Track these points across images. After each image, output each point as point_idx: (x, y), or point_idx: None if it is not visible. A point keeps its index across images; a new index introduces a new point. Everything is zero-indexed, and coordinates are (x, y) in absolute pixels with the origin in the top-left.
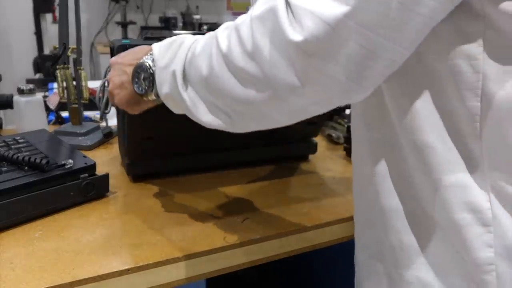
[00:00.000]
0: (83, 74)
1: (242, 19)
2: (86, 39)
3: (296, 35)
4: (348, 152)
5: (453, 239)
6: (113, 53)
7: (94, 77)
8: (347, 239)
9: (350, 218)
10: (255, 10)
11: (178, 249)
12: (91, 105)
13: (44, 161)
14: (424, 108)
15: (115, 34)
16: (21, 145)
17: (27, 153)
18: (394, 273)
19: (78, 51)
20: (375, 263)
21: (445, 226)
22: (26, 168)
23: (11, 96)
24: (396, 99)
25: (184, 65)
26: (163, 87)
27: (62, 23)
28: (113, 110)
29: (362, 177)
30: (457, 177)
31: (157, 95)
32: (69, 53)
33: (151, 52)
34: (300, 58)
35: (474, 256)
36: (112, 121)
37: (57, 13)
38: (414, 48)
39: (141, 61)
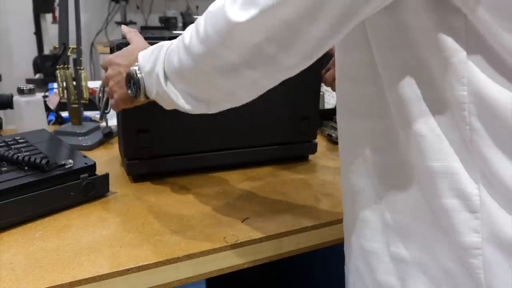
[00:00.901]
0: (83, 74)
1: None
2: (86, 39)
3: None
4: None
5: (443, 222)
6: (112, 53)
7: (94, 77)
8: None
9: None
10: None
11: (178, 249)
12: (91, 105)
13: (44, 161)
14: (415, 97)
15: (115, 34)
16: (21, 145)
17: (27, 153)
18: (386, 251)
19: (78, 51)
20: (365, 243)
21: (436, 210)
22: (26, 168)
23: (11, 96)
24: (394, 89)
25: (164, 65)
26: (151, 89)
27: (62, 23)
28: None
29: (355, 167)
30: (446, 165)
31: (147, 97)
32: (69, 53)
33: (137, 63)
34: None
35: (461, 239)
36: (112, 121)
37: (57, 13)
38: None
39: (131, 69)
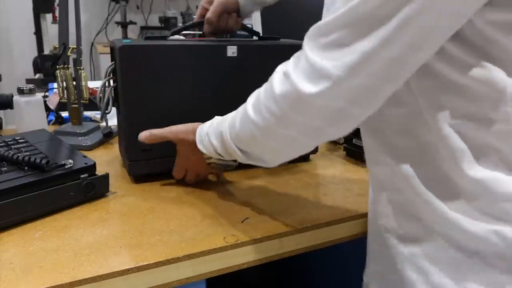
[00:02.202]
0: (83, 74)
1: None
2: (86, 39)
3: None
4: (348, 152)
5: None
6: (113, 53)
7: (94, 77)
8: (347, 239)
9: (350, 218)
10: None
11: (178, 249)
12: (91, 105)
13: (44, 161)
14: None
15: (115, 34)
16: (21, 145)
17: (27, 153)
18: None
19: (78, 51)
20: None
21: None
22: (26, 168)
23: (11, 96)
24: (435, 111)
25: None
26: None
27: (62, 23)
28: (113, 110)
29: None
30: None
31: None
32: (69, 53)
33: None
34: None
35: None
36: (112, 121)
37: (57, 13)
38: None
39: (209, 161)
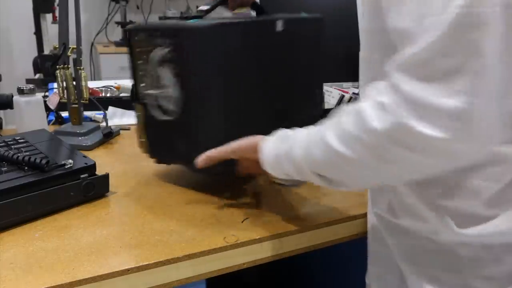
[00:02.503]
0: (83, 74)
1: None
2: (86, 39)
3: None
4: None
5: None
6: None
7: (94, 77)
8: (347, 239)
9: (350, 218)
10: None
11: (178, 249)
12: (91, 105)
13: (44, 161)
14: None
15: (115, 34)
16: (21, 145)
17: (27, 153)
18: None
19: (78, 51)
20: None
21: None
22: (26, 168)
23: (11, 96)
24: None
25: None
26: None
27: (62, 23)
28: (112, 110)
29: None
30: None
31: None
32: (69, 53)
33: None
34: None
35: None
36: (112, 121)
37: (57, 13)
38: None
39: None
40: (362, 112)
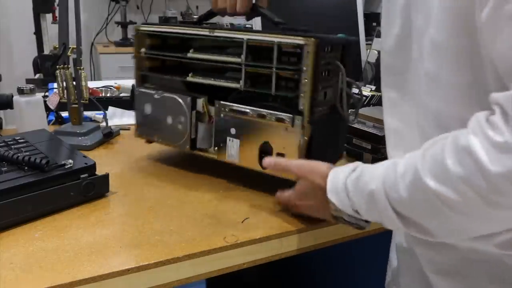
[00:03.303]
0: (83, 74)
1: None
2: (86, 39)
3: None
4: (348, 152)
5: None
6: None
7: (94, 77)
8: (347, 239)
9: None
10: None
11: (178, 249)
12: (91, 105)
13: (44, 161)
14: None
15: (115, 34)
16: (21, 145)
17: (27, 153)
18: None
19: (78, 51)
20: None
21: None
22: (26, 168)
23: (11, 96)
24: None
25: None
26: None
27: (62, 23)
28: (111, 109)
29: None
30: None
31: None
32: (69, 53)
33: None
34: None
35: None
36: (112, 121)
37: (57, 13)
38: None
39: (336, 214)
40: (474, 152)
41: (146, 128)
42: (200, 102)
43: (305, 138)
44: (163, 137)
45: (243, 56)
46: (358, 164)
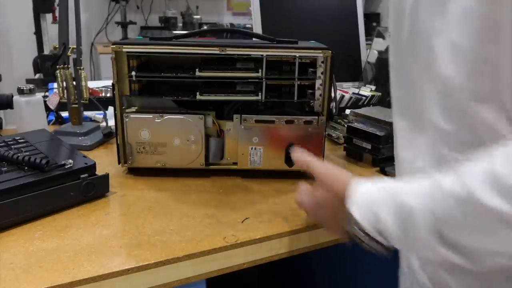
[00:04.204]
0: (83, 74)
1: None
2: (86, 39)
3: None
4: (348, 152)
5: None
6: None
7: (94, 77)
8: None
9: None
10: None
11: (178, 249)
12: (91, 105)
13: (44, 161)
14: None
15: (115, 34)
16: (21, 145)
17: (27, 153)
18: None
19: (78, 51)
20: None
21: None
22: (26, 168)
23: (11, 96)
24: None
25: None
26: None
27: (62, 23)
28: (111, 110)
29: None
30: None
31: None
32: (69, 53)
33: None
34: None
35: None
36: (112, 121)
37: (57, 13)
38: None
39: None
40: None
41: (141, 158)
42: (210, 118)
43: (326, 132)
44: (168, 160)
45: (262, 71)
46: (384, 178)
